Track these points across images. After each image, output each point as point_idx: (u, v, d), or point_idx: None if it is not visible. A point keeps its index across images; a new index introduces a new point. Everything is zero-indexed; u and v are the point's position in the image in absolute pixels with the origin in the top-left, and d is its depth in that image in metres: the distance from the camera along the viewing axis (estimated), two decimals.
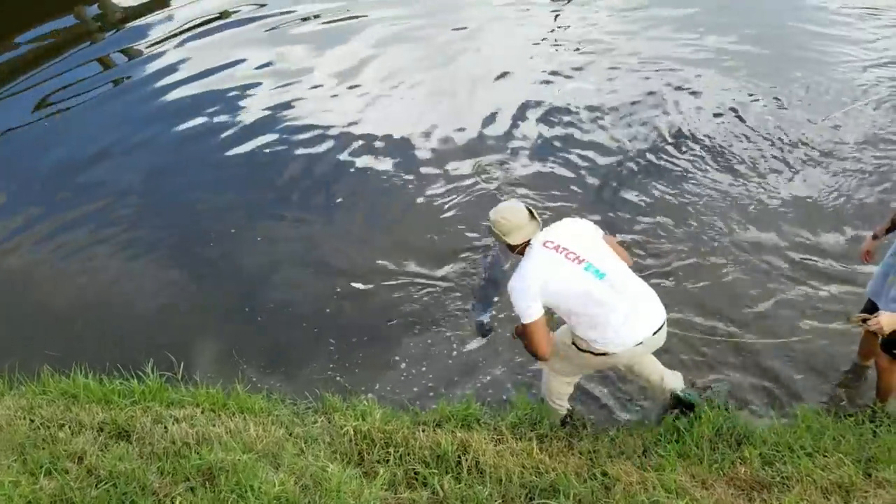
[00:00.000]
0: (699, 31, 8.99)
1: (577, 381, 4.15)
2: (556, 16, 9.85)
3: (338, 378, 4.73)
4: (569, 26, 9.49)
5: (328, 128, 7.48)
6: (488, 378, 4.70)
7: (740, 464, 3.55)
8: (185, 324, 5.24)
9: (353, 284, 5.46)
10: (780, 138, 6.94)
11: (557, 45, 9.04)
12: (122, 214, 6.40)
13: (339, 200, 6.47)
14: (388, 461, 3.57)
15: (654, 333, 3.57)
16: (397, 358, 4.88)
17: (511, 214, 3.58)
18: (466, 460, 3.53)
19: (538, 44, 9.07)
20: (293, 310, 5.30)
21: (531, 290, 3.45)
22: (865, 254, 4.30)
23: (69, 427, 3.67)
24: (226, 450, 3.51)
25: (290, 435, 3.77)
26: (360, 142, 7.23)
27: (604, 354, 3.58)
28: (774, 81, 7.87)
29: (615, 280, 3.51)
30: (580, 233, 3.64)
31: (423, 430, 3.76)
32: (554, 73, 8.31)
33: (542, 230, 3.62)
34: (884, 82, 7.83)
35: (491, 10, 10.07)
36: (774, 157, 6.69)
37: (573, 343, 3.66)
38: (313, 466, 3.37)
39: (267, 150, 7.23)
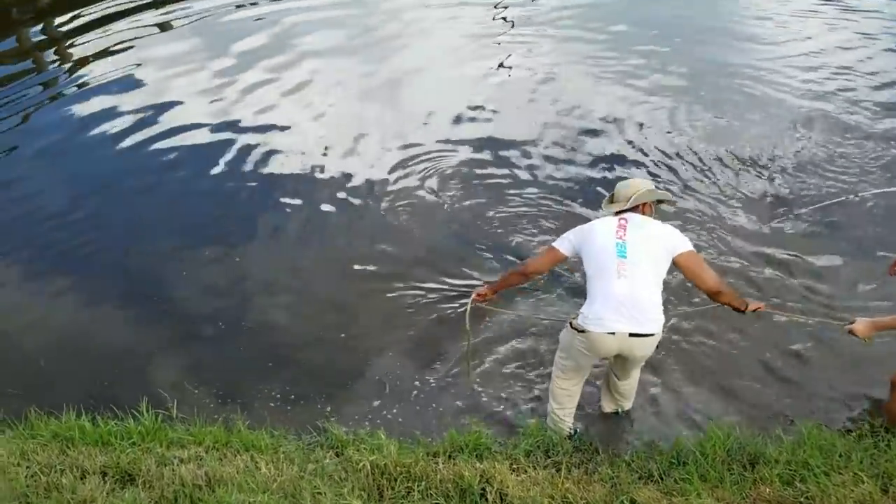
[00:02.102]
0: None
1: (578, 392, 4.22)
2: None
3: (334, 409, 4.61)
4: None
5: (264, 132, 7.54)
6: (492, 404, 4.66)
7: (761, 484, 3.58)
8: (164, 359, 5.02)
9: (340, 319, 5.36)
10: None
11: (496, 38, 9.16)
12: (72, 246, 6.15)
13: (291, 219, 6.41)
14: (410, 496, 3.47)
15: (632, 336, 3.74)
16: (392, 386, 4.79)
17: (618, 187, 4.08)
18: (491, 492, 3.46)
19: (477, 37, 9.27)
20: (276, 342, 5.16)
21: (575, 231, 4.02)
22: (893, 265, 4.47)
23: (70, 472, 3.46)
24: (242, 491, 3.37)
25: (304, 472, 3.64)
26: (304, 151, 7.28)
27: (583, 333, 3.79)
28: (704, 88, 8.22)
29: (630, 269, 3.73)
30: (654, 233, 3.89)
31: (441, 462, 3.67)
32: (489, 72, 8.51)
33: (641, 216, 3.97)
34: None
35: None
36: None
37: (569, 323, 3.93)
38: None
39: (221, 168, 7.16)
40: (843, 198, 6.32)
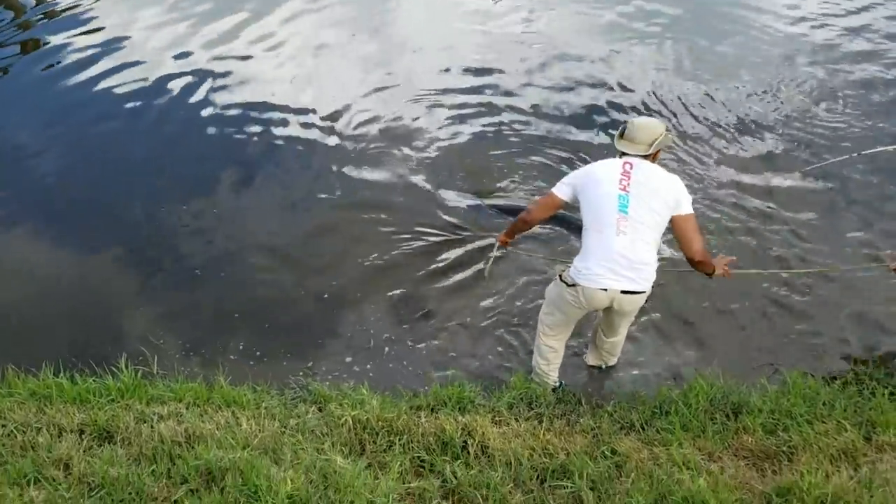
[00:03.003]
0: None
1: (562, 347, 4.20)
2: None
3: (317, 364, 4.56)
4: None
5: (257, 100, 7.20)
6: (475, 358, 4.62)
7: (744, 433, 3.58)
8: (143, 314, 4.91)
9: (322, 271, 5.26)
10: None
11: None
12: (52, 199, 5.98)
13: (278, 179, 6.20)
14: (391, 450, 3.46)
15: (623, 293, 3.68)
16: (376, 341, 4.73)
17: (633, 126, 3.75)
18: (472, 445, 3.45)
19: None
20: (256, 295, 5.06)
21: (575, 175, 3.86)
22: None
23: (47, 431, 3.42)
24: (222, 447, 3.34)
25: (286, 428, 3.61)
26: (296, 115, 6.96)
27: (574, 287, 3.74)
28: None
29: (630, 226, 3.60)
30: (658, 187, 3.64)
31: (424, 416, 3.65)
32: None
33: (648, 163, 3.72)
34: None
35: None
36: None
37: (559, 276, 3.87)
38: (320, 461, 3.23)
39: (204, 126, 6.88)
40: (846, 156, 6.17)
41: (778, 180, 6.12)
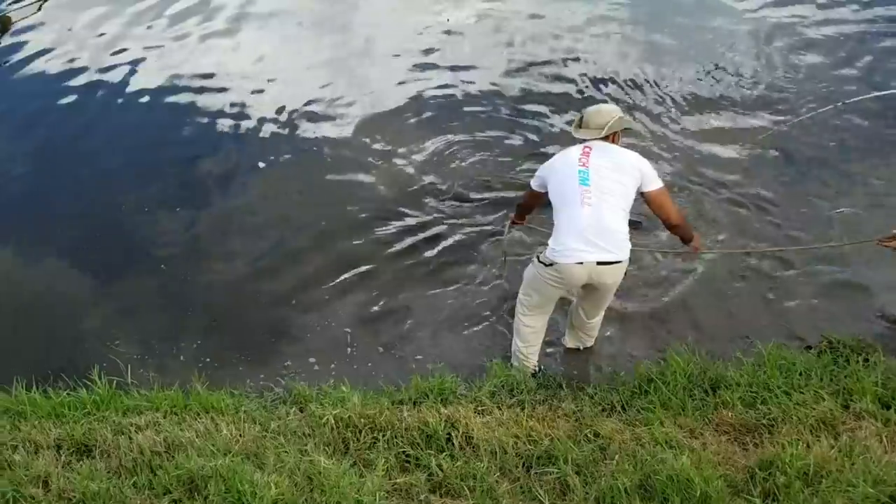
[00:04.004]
0: None
1: (542, 329, 4.21)
2: None
3: (295, 364, 4.52)
4: None
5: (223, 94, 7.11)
6: (453, 348, 4.61)
7: (723, 408, 3.62)
8: (112, 323, 4.82)
9: (293, 268, 5.21)
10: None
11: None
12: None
13: (243, 177, 6.10)
14: (375, 446, 3.43)
15: (600, 265, 3.72)
16: (353, 337, 4.70)
17: (587, 113, 3.94)
18: (457, 436, 3.44)
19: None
20: (226, 297, 5.01)
21: (542, 167, 4.03)
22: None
23: (23, 448, 3.35)
24: (203, 455, 3.29)
25: (267, 431, 3.57)
26: (259, 110, 6.86)
27: (551, 266, 3.79)
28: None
29: (594, 196, 3.69)
30: (619, 160, 3.81)
31: (407, 410, 3.63)
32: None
33: (606, 143, 3.88)
34: None
35: None
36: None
37: (537, 258, 3.92)
38: (304, 462, 3.21)
39: (157, 121, 6.80)
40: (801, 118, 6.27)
41: (739, 152, 6.17)
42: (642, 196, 3.90)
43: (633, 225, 5.12)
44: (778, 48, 7.55)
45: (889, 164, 5.92)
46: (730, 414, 3.54)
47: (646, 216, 5.07)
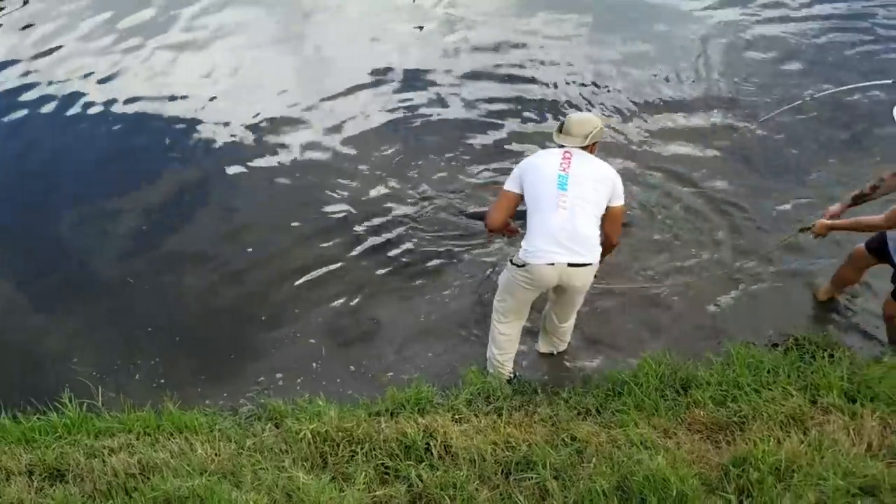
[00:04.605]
0: None
1: (517, 335, 4.26)
2: None
3: (268, 379, 4.51)
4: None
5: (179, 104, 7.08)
6: (428, 358, 4.64)
7: (695, 408, 3.68)
8: (80, 344, 4.77)
9: (262, 282, 5.20)
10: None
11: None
12: None
13: (208, 191, 6.08)
14: (354, 460, 3.43)
15: (571, 266, 3.79)
16: (327, 349, 4.70)
17: (570, 120, 3.97)
18: (435, 446, 3.44)
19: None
20: (197, 314, 4.99)
21: (518, 166, 3.99)
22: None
23: None
24: (178, 475, 3.26)
25: (243, 448, 3.54)
26: (223, 123, 6.82)
27: (523, 267, 3.83)
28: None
29: (570, 201, 3.75)
30: (599, 172, 3.88)
31: (384, 421, 3.63)
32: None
33: (586, 153, 3.94)
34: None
35: None
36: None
37: (510, 261, 3.94)
38: (282, 479, 3.19)
39: (111, 135, 6.73)
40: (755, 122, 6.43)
41: (695, 151, 6.28)
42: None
43: None
44: (732, 49, 7.71)
45: (846, 160, 6.06)
46: (701, 413, 3.60)
47: (631, 217, 5.29)
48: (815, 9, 8.33)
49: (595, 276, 4.02)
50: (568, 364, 4.57)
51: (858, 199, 4.33)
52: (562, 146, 3.96)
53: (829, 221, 4.28)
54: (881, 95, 6.57)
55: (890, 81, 6.39)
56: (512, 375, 4.31)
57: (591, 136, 3.94)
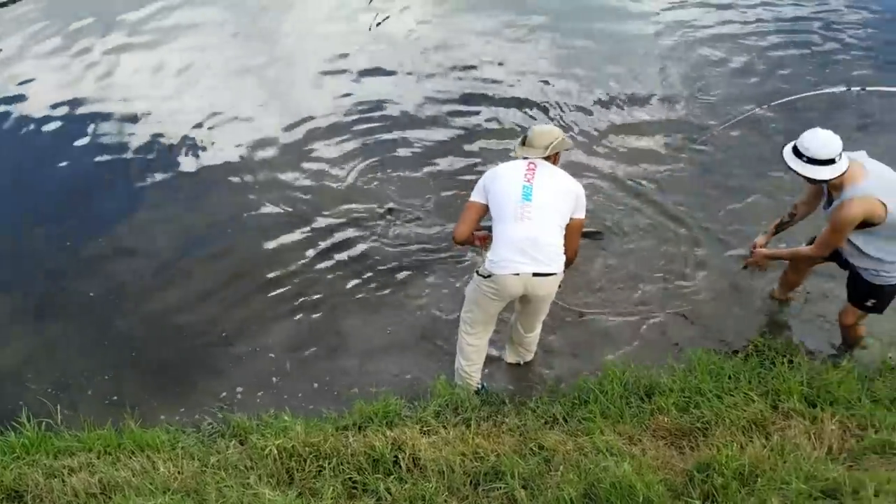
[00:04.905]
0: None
1: (485, 346, 4.26)
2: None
3: (231, 395, 4.45)
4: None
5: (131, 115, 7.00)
6: (395, 370, 4.62)
7: (659, 414, 3.72)
8: (36, 361, 4.66)
9: (224, 296, 5.13)
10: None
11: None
12: None
13: (163, 200, 6.02)
14: (321, 475, 3.40)
15: (535, 276, 3.81)
16: (292, 364, 4.66)
17: (532, 132, 4.01)
18: (404, 459, 3.43)
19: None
20: (157, 328, 4.91)
21: (483, 177, 4.00)
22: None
23: None
24: (141, 495, 3.19)
25: (207, 466, 3.48)
26: (177, 130, 6.78)
27: (489, 278, 3.84)
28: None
29: (534, 212, 3.78)
30: (563, 183, 3.92)
31: (352, 435, 3.61)
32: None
33: (550, 164, 3.98)
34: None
35: None
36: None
37: (476, 272, 3.96)
38: (247, 496, 3.14)
39: (72, 149, 6.60)
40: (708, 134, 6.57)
41: (654, 158, 6.41)
42: None
43: (594, 236, 5.31)
44: (683, 59, 7.90)
45: None
46: (665, 419, 3.64)
47: (610, 228, 5.40)
48: (765, 18, 8.63)
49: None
50: (535, 374, 4.58)
51: (779, 228, 4.48)
52: (525, 158, 4.00)
53: (767, 251, 4.41)
54: (832, 101, 6.79)
55: (844, 89, 6.60)
56: (480, 386, 4.33)
57: (552, 146, 3.97)
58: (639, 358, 4.48)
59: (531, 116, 6.90)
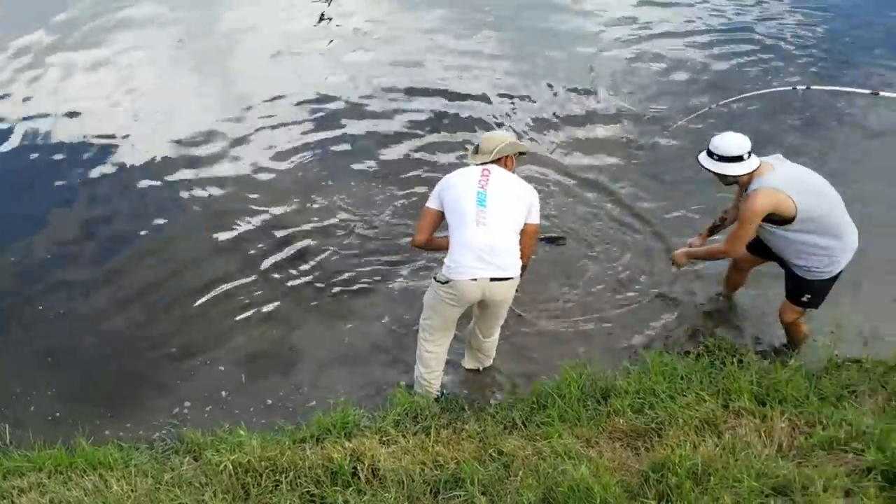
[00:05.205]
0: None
1: (444, 353, 4.26)
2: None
3: (184, 410, 4.38)
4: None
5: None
6: (354, 380, 4.59)
7: (615, 416, 3.77)
8: None
9: (176, 311, 5.08)
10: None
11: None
12: None
13: (115, 214, 5.96)
14: (278, 489, 3.35)
15: (493, 281, 3.86)
16: (248, 377, 4.62)
17: (483, 139, 4.13)
18: (363, 470, 3.41)
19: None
20: (109, 344, 4.84)
21: (438, 184, 4.08)
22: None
23: None
24: None
25: (160, 483, 3.43)
26: (133, 145, 6.71)
27: (447, 284, 3.87)
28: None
29: (489, 217, 3.84)
30: (516, 188, 3.99)
31: (310, 448, 3.57)
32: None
33: (503, 169, 4.06)
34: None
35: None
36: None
37: (434, 278, 3.98)
38: None
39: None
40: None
41: (605, 162, 6.53)
42: None
43: (557, 241, 5.36)
44: (631, 65, 8.07)
45: None
46: (621, 421, 3.68)
47: (569, 233, 5.49)
48: (711, 19, 8.92)
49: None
50: (494, 379, 4.60)
51: (712, 230, 4.72)
52: (479, 164, 4.07)
53: (687, 250, 4.59)
54: (778, 100, 7.04)
55: (789, 88, 6.83)
56: (439, 394, 4.32)
57: (498, 149, 4.07)
58: (596, 361, 4.53)
59: (482, 116, 7.03)
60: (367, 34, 8.35)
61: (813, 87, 6.64)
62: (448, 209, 4.00)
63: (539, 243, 5.30)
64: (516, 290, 4.07)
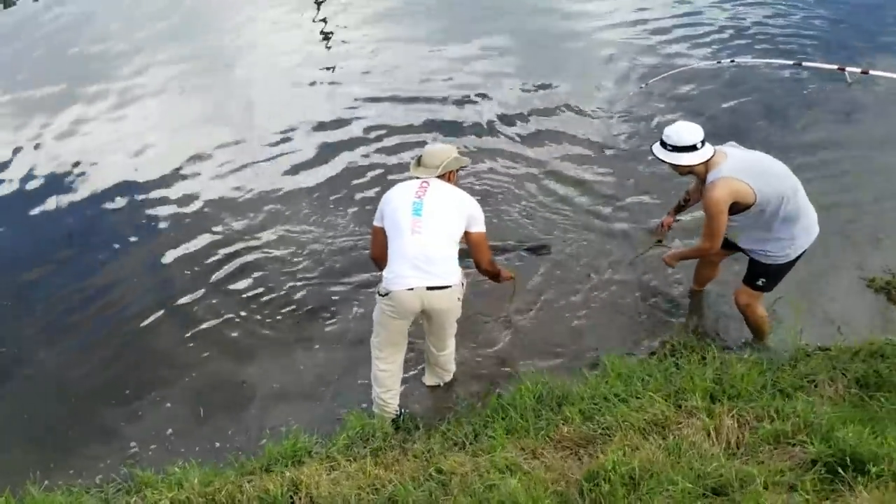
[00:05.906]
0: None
1: (398, 370, 4.20)
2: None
3: (141, 447, 4.34)
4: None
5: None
6: (308, 407, 4.53)
7: (563, 424, 3.65)
8: None
9: (123, 341, 5.07)
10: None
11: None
12: None
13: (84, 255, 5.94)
14: None
15: (430, 290, 3.83)
16: (206, 410, 4.56)
17: (425, 153, 4.14)
18: (300, 499, 3.34)
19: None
20: (61, 379, 4.81)
21: (381, 203, 4.08)
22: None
23: None
24: None
25: None
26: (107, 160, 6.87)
27: (387, 296, 3.86)
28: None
29: (424, 227, 3.83)
30: (454, 199, 3.99)
31: (250, 481, 3.51)
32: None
33: (443, 181, 4.06)
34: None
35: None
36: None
37: (377, 293, 3.96)
38: None
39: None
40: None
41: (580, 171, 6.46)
42: (465, 238, 4.07)
43: (539, 250, 5.30)
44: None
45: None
46: (568, 429, 3.57)
47: (550, 240, 5.46)
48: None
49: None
50: (455, 394, 4.51)
51: (679, 209, 4.79)
52: (419, 178, 4.06)
53: (675, 252, 4.60)
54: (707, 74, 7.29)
55: (717, 63, 7.17)
56: (397, 413, 4.24)
57: (444, 165, 4.07)
58: (564, 368, 4.43)
59: (444, 122, 7.14)
60: (344, 40, 8.46)
61: (737, 58, 7.04)
62: (387, 221, 4.00)
63: (527, 253, 5.41)
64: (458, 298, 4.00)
